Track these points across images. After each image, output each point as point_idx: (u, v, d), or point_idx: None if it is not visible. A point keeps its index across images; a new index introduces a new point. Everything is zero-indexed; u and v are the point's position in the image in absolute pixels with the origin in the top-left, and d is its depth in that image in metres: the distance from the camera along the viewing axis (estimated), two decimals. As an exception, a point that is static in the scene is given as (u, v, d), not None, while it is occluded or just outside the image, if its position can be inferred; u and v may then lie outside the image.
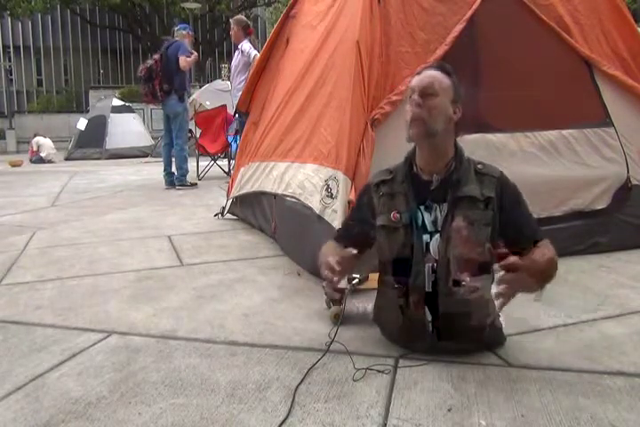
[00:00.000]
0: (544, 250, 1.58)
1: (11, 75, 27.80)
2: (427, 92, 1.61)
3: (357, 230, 1.81)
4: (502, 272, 1.50)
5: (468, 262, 1.60)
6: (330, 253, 1.74)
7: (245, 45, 5.60)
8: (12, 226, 4.05)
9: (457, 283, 1.59)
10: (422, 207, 1.65)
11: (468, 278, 1.56)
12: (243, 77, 5.38)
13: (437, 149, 1.66)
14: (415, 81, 1.66)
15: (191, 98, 10.10)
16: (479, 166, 1.67)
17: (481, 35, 2.88)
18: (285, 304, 2.13)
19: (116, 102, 13.68)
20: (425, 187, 1.66)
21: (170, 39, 6.16)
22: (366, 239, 1.76)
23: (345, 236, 1.87)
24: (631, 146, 2.82)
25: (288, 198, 2.74)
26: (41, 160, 12.37)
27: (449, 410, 1.35)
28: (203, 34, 25.60)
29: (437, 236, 1.63)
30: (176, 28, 6.28)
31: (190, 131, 7.10)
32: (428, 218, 1.65)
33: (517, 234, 1.66)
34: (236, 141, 6.48)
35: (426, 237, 1.64)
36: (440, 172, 1.65)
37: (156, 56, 5.96)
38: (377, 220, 1.72)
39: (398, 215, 1.66)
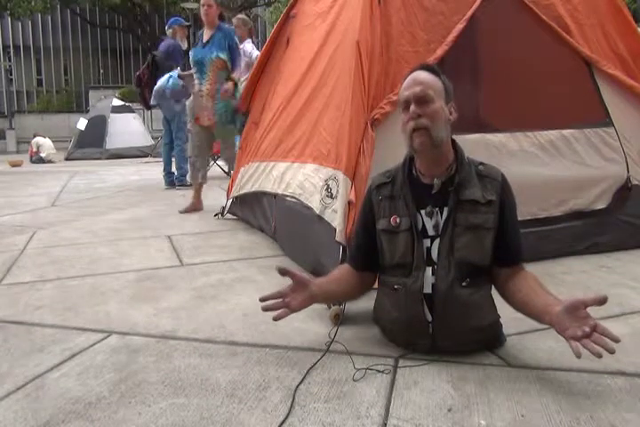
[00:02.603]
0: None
1: (11, 75, 27.77)
2: (423, 100, 1.58)
3: (364, 246, 1.79)
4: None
5: (468, 266, 1.60)
6: (319, 279, 1.77)
7: (248, 46, 5.62)
8: (12, 226, 4.05)
9: (460, 284, 1.59)
10: (423, 212, 1.64)
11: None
12: (244, 78, 5.38)
13: (440, 155, 1.64)
14: (406, 89, 1.62)
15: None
16: (480, 167, 1.66)
17: (481, 34, 2.88)
18: (285, 304, 2.13)
19: (116, 102, 13.68)
20: (425, 191, 1.64)
21: (164, 38, 6.19)
22: (377, 256, 1.74)
23: (355, 257, 1.85)
24: (631, 146, 2.82)
25: (288, 198, 2.74)
26: (41, 160, 12.38)
27: (449, 410, 1.35)
28: (203, 34, 25.60)
29: (438, 240, 1.62)
30: (166, 28, 6.31)
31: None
32: (428, 222, 1.63)
33: (503, 245, 1.63)
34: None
35: (426, 241, 1.63)
36: (441, 175, 1.64)
37: (145, 65, 6.08)
38: (377, 224, 1.71)
39: (398, 220, 1.66)
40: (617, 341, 1.34)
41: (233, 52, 4.36)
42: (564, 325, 1.41)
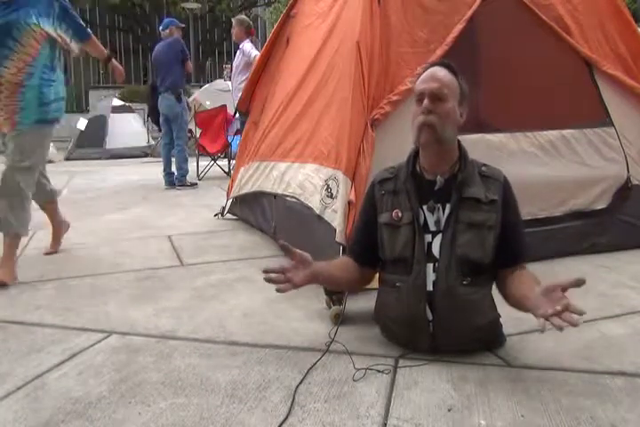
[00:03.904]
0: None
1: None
2: (436, 98, 1.59)
3: (364, 241, 1.79)
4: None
5: (469, 264, 1.61)
6: (322, 264, 1.75)
7: (247, 45, 5.61)
8: (12, 226, 4.04)
9: (461, 283, 1.59)
10: (425, 207, 1.65)
11: None
12: (243, 77, 5.38)
13: (444, 152, 1.66)
14: (423, 83, 1.63)
15: (191, 98, 10.11)
16: (483, 169, 1.68)
17: (481, 35, 2.88)
18: (285, 304, 2.13)
19: (116, 102, 13.66)
20: (428, 187, 1.66)
21: (165, 38, 6.19)
22: (377, 251, 1.74)
23: (355, 251, 1.85)
24: (631, 146, 2.82)
25: (288, 198, 2.74)
26: (41, 160, 12.35)
27: (449, 410, 1.35)
28: (203, 34, 25.58)
29: (440, 236, 1.63)
30: (161, 29, 6.32)
31: (190, 131, 7.09)
32: (430, 218, 1.65)
33: (505, 246, 1.64)
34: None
35: (428, 236, 1.64)
36: (444, 173, 1.66)
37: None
38: (379, 217, 1.72)
39: (400, 214, 1.66)
40: (581, 314, 1.31)
41: (71, 19, 2.74)
42: (538, 306, 1.40)
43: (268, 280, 1.62)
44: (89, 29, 2.93)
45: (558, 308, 1.32)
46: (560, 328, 1.30)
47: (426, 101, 1.60)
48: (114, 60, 3.00)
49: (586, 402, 1.37)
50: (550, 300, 1.38)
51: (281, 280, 1.63)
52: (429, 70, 1.66)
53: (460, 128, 1.68)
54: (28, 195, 2.65)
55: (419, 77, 1.68)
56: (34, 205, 2.82)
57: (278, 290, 1.62)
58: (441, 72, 1.63)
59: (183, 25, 6.51)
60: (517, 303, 1.57)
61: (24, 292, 2.40)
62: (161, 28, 6.29)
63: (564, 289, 1.39)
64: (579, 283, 1.37)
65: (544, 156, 2.67)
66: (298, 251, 1.68)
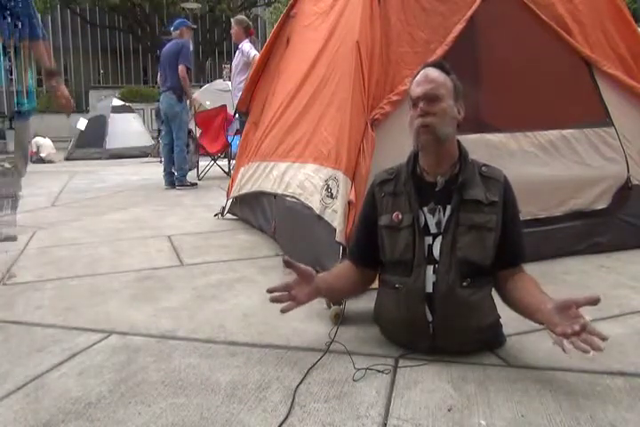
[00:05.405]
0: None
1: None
2: (432, 99, 1.59)
3: (364, 242, 1.79)
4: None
5: (469, 266, 1.60)
6: (321, 276, 1.76)
7: (246, 45, 5.61)
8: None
9: (461, 284, 1.59)
10: (425, 209, 1.64)
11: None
12: (243, 77, 5.39)
13: (444, 152, 1.65)
14: (417, 88, 1.63)
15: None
16: (484, 169, 1.67)
17: (481, 35, 2.88)
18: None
19: (116, 102, 13.67)
20: (429, 188, 1.65)
21: (170, 39, 6.19)
22: (377, 252, 1.74)
23: (355, 252, 1.85)
24: (631, 146, 2.82)
25: (288, 198, 2.74)
26: (41, 160, 12.36)
27: (449, 410, 1.35)
28: (203, 34, 25.57)
29: (440, 238, 1.62)
30: (172, 29, 6.31)
31: (190, 131, 7.09)
32: (431, 220, 1.64)
33: (504, 247, 1.64)
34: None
35: (428, 239, 1.63)
36: (445, 173, 1.65)
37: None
38: (379, 220, 1.72)
39: (400, 216, 1.66)
40: (605, 339, 1.34)
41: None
42: (554, 322, 1.42)
43: (274, 300, 1.65)
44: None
45: (577, 328, 1.34)
46: (586, 352, 1.32)
47: (422, 104, 1.60)
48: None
49: (586, 402, 1.37)
50: (566, 317, 1.40)
51: (286, 299, 1.65)
52: (423, 72, 1.66)
53: (460, 128, 1.67)
54: None
55: (413, 79, 1.68)
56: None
57: (282, 310, 1.64)
58: (434, 73, 1.63)
59: (195, 26, 6.50)
60: (527, 314, 1.58)
61: (24, 292, 2.40)
62: (172, 28, 6.28)
63: (579, 306, 1.40)
64: (594, 301, 1.38)
65: (544, 155, 2.67)
66: (301, 266, 1.69)
